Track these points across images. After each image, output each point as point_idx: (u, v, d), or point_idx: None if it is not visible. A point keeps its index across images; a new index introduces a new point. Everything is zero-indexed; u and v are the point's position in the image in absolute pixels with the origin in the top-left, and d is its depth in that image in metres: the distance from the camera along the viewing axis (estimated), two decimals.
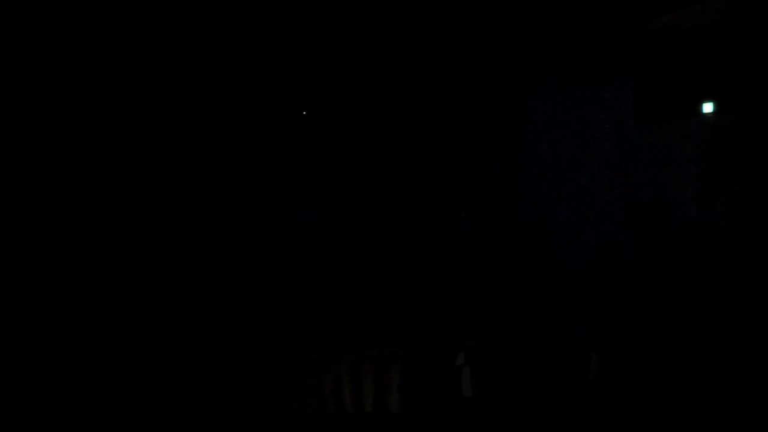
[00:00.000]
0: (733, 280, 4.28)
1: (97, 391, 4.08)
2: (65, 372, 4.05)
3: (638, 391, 3.99)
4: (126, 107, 4.46)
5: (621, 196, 4.75)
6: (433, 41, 4.79)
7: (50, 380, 3.99)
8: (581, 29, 4.72)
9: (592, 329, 4.55)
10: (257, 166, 4.90)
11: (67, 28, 4.24)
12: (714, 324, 4.20)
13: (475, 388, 4.10)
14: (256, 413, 4.28)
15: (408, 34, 4.71)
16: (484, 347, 4.24)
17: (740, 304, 4.21)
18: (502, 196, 5.11)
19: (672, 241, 4.53)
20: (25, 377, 3.93)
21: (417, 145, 5.13)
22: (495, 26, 4.71)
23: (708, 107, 4.49)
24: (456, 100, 5.14)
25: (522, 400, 4.11)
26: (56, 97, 4.26)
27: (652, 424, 3.80)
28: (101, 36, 4.34)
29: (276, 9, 4.45)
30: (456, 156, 5.16)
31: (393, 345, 4.33)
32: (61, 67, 4.26)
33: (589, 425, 3.92)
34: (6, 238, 4.04)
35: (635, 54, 4.73)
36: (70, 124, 4.30)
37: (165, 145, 4.57)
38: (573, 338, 4.51)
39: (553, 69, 4.99)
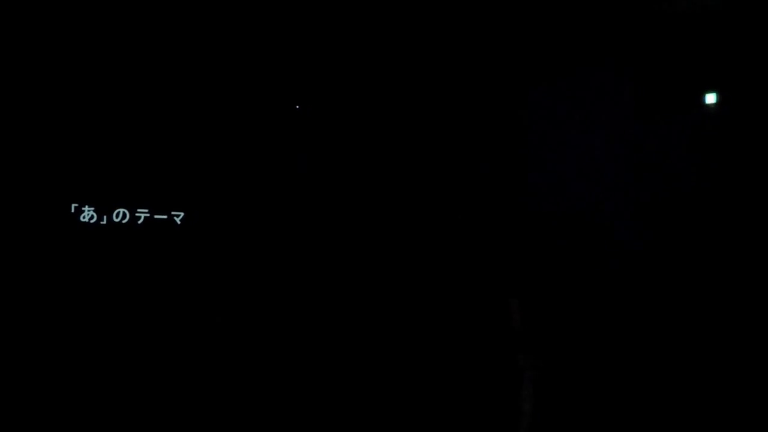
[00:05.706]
0: (737, 274, 4.22)
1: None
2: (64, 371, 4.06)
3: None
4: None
5: (624, 191, 4.69)
6: (431, 37, 4.76)
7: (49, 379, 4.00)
8: (581, 18, 4.66)
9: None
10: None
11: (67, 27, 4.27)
12: (714, 320, 4.16)
13: None
14: None
15: (405, 27, 4.69)
16: None
17: (743, 299, 4.16)
18: (501, 193, 5.04)
19: (681, 235, 4.48)
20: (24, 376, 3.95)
21: (412, 142, 5.08)
22: (493, 23, 4.68)
23: (711, 98, 4.44)
24: (455, 96, 5.09)
25: None
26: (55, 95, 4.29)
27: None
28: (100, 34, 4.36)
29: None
30: (454, 153, 5.09)
31: None
32: (60, 65, 4.29)
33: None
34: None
35: (636, 44, 4.66)
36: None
37: None
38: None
39: (554, 63, 4.94)
